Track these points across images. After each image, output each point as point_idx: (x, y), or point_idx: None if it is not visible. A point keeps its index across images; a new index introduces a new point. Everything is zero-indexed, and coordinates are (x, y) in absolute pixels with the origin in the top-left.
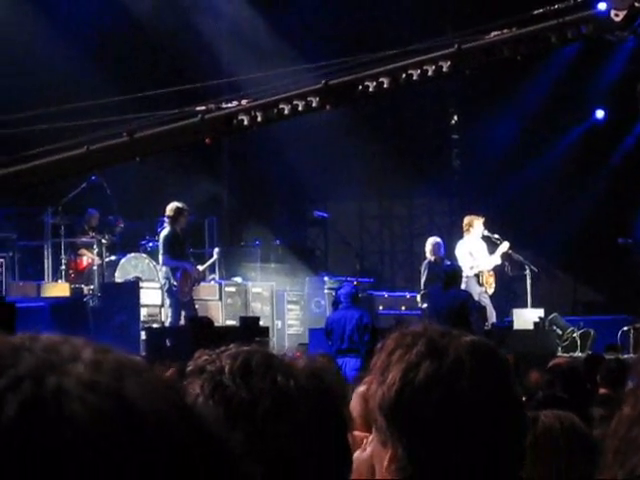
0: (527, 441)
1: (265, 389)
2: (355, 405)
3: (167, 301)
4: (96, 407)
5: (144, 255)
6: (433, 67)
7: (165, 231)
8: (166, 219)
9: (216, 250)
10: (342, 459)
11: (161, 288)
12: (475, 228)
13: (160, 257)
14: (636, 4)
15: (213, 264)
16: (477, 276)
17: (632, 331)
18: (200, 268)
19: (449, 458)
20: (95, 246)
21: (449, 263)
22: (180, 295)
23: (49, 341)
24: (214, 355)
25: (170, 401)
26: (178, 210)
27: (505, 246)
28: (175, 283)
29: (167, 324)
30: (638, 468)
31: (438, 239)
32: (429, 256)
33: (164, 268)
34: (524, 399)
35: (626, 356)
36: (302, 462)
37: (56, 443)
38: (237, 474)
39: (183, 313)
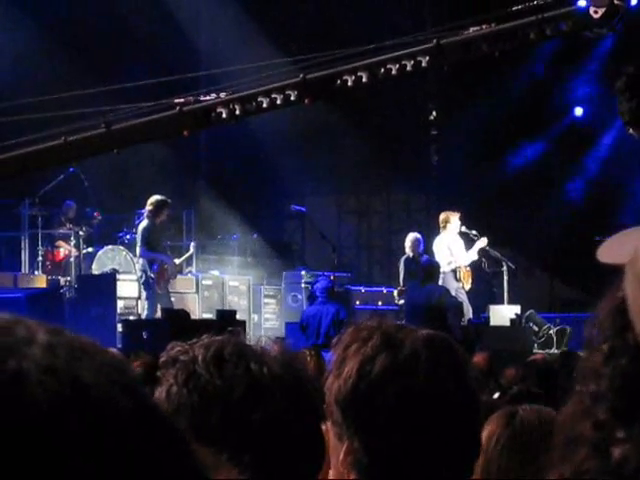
0: (505, 436)
1: (238, 376)
2: None
3: (144, 293)
4: (56, 392)
5: (121, 247)
6: (412, 62)
7: (143, 223)
8: (146, 211)
9: (192, 244)
10: (316, 448)
11: (138, 280)
12: (452, 224)
13: (137, 249)
14: (615, 1)
15: (190, 257)
16: (454, 272)
17: None
18: (177, 261)
19: (405, 450)
20: (72, 238)
21: (427, 259)
22: (157, 287)
23: (2, 322)
24: (187, 346)
25: (119, 384)
26: (160, 203)
27: (483, 242)
28: (152, 275)
29: (143, 316)
30: (585, 463)
31: (418, 235)
32: (408, 252)
33: (141, 260)
34: (498, 394)
35: None
36: (276, 449)
37: (18, 427)
38: (185, 456)
39: (159, 306)
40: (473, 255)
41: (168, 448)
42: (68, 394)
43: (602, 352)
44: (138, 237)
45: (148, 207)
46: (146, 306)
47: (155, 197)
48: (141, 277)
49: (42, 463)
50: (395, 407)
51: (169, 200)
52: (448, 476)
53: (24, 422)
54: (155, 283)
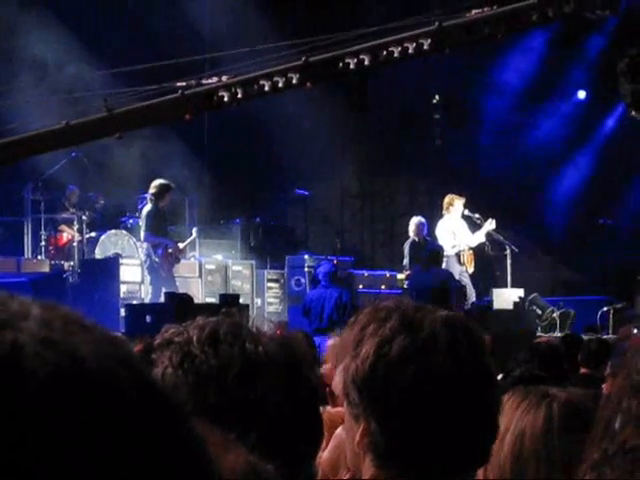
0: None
1: (234, 356)
2: (338, 382)
3: (147, 278)
4: (54, 363)
5: (124, 232)
6: (414, 45)
7: (147, 207)
8: (150, 195)
9: (195, 229)
10: (313, 427)
11: (141, 265)
12: (455, 207)
13: (142, 233)
14: None
15: (192, 242)
16: (458, 255)
17: (611, 312)
18: (180, 246)
19: (422, 432)
20: (75, 222)
21: (431, 243)
22: (161, 271)
23: None
24: (181, 328)
25: (116, 357)
26: (163, 187)
27: (491, 224)
28: (157, 260)
29: (147, 301)
30: (630, 441)
31: (422, 219)
32: (412, 236)
33: (145, 244)
34: (501, 376)
35: (605, 337)
36: (273, 428)
37: (17, 399)
38: (183, 428)
39: (163, 290)
40: (480, 237)
41: (167, 421)
42: (66, 365)
43: None
44: (142, 221)
45: (151, 191)
46: (150, 290)
47: (158, 181)
48: (145, 261)
49: (41, 434)
50: (413, 388)
51: (172, 184)
52: (466, 458)
53: (22, 394)
54: (160, 267)
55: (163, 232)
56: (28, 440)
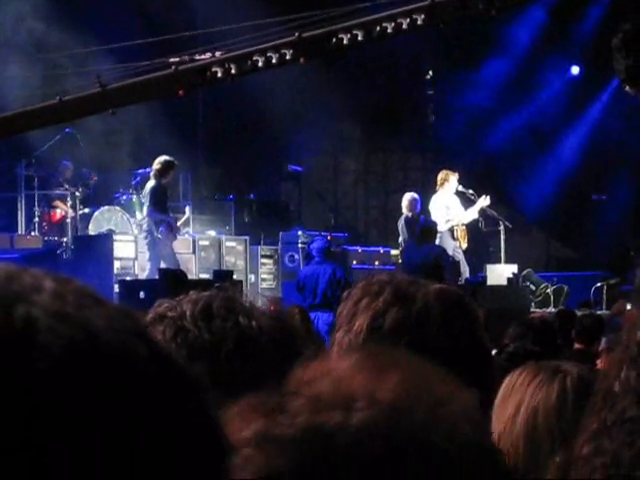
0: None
1: (227, 330)
2: None
3: (147, 254)
4: (68, 337)
5: (117, 208)
6: (407, 20)
7: (152, 183)
8: (154, 171)
9: (188, 207)
10: None
11: (135, 241)
12: (450, 183)
13: (145, 209)
14: None
15: (187, 220)
16: (451, 231)
17: (605, 287)
18: (177, 223)
19: None
20: (69, 198)
21: (424, 219)
22: (162, 248)
23: (8, 270)
24: (175, 302)
25: (130, 330)
26: (168, 164)
27: (485, 200)
28: (159, 236)
29: (144, 276)
30: (628, 412)
31: (415, 195)
32: (406, 212)
33: (146, 220)
34: (495, 352)
35: (599, 312)
36: None
37: (30, 374)
38: (199, 401)
39: (161, 265)
40: (474, 213)
41: (184, 393)
42: (80, 339)
43: None
44: (146, 197)
45: (155, 167)
46: (148, 266)
47: (163, 157)
48: (146, 237)
49: (55, 409)
50: None
51: (176, 161)
52: None
53: (36, 368)
54: (162, 243)
55: (165, 209)
56: (42, 415)
